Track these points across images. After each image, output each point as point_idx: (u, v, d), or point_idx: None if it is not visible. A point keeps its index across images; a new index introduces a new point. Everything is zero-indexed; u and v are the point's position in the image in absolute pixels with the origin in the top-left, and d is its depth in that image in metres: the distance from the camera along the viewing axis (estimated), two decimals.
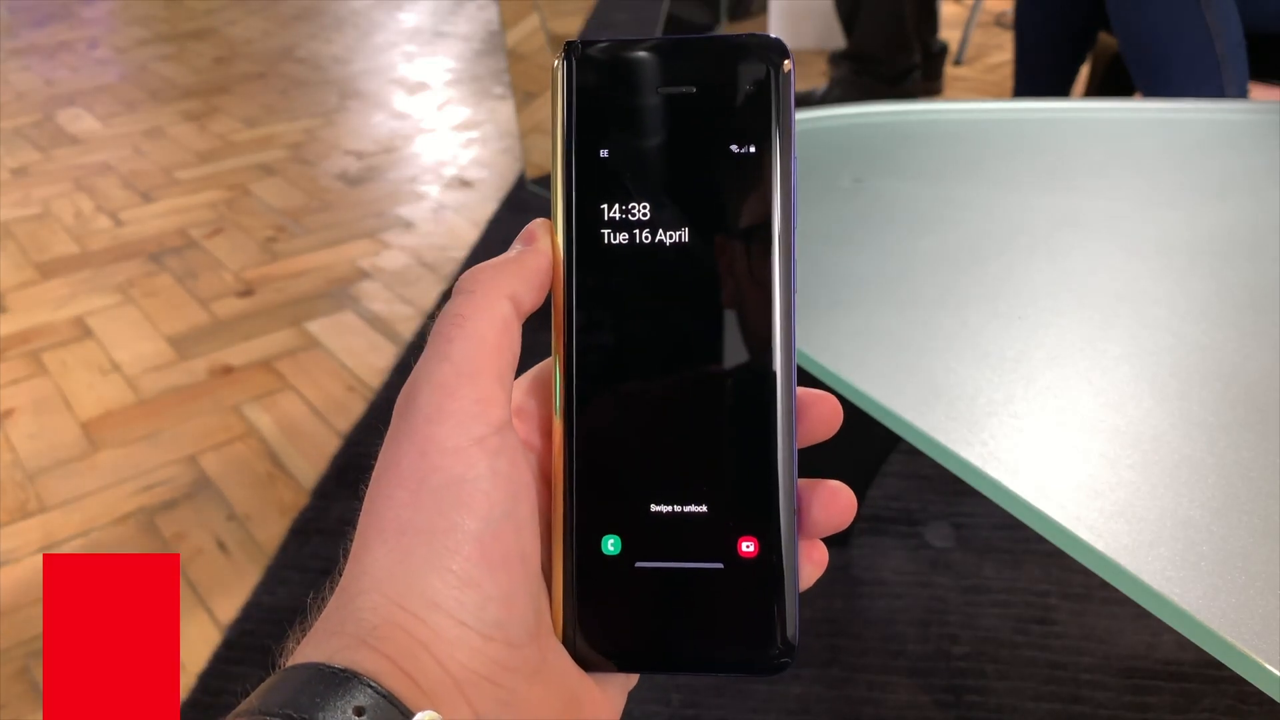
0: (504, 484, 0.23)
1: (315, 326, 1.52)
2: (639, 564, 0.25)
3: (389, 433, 0.24)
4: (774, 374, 0.25)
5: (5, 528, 1.13)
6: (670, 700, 0.87)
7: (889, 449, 1.03)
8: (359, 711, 0.20)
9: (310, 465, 1.21)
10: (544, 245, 0.26)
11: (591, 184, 0.26)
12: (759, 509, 0.25)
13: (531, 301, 0.25)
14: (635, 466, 0.26)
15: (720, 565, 0.25)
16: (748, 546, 0.25)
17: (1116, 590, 0.44)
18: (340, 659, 0.21)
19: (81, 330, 1.52)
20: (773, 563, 0.25)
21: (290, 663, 0.21)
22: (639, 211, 0.26)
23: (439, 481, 0.22)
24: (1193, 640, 0.41)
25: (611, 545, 0.25)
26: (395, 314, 1.54)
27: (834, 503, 0.25)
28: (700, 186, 0.26)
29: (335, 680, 0.20)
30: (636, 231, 0.26)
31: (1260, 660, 0.39)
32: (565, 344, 0.26)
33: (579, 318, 0.26)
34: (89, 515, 1.15)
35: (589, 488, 0.25)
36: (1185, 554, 0.44)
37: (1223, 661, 0.40)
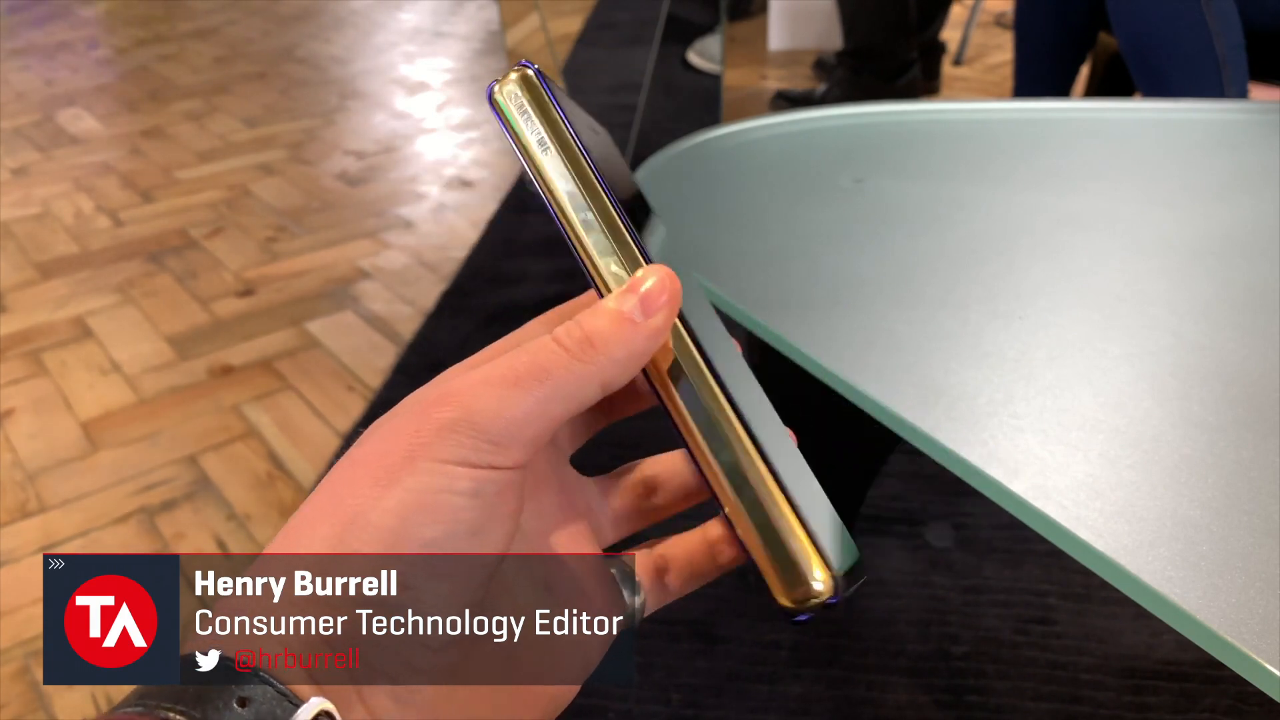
0: (483, 508, 0.22)
1: (315, 326, 1.52)
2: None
3: (394, 410, 0.22)
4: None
5: (5, 528, 1.13)
6: (670, 700, 0.87)
7: (889, 449, 1.03)
8: (242, 703, 0.19)
9: (310, 465, 1.21)
10: (659, 322, 0.24)
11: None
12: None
13: (620, 383, 0.24)
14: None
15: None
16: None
17: (1116, 590, 0.44)
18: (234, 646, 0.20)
19: (81, 330, 1.52)
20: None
21: (186, 649, 0.21)
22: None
23: (410, 484, 0.21)
24: (1193, 640, 0.41)
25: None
26: (395, 314, 1.54)
27: None
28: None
29: (222, 671, 0.20)
30: None
31: (1260, 660, 0.39)
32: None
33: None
34: (89, 515, 1.15)
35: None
36: (1185, 554, 0.44)
37: (1223, 661, 0.40)
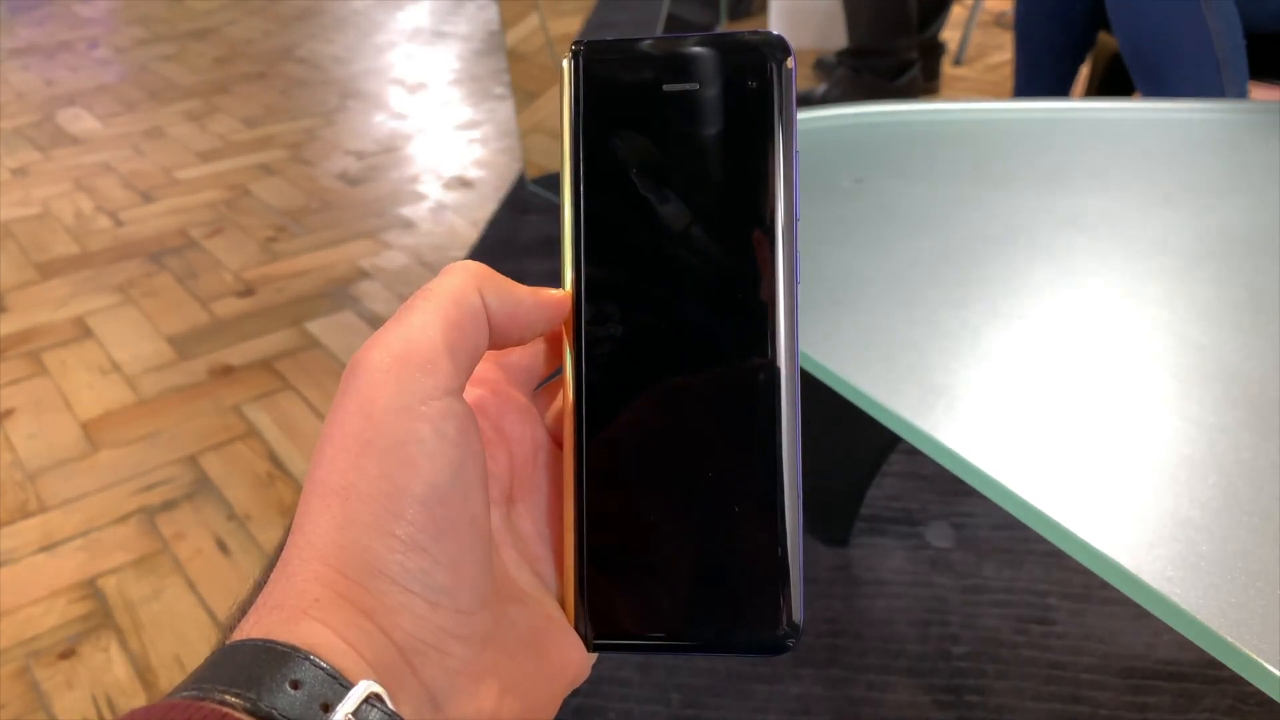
0: (450, 449, 0.22)
1: (315, 326, 1.52)
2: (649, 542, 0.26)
3: (336, 396, 0.23)
4: (777, 365, 0.26)
5: (5, 528, 1.13)
6: (670, 700, 0.87)
7: (889, 449, 1.03)
8: (295, 685, 0.19)
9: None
10: (548, 298, 0.26)
11: (600, 179, 0.26)
12: (765, 491, 0.25)
13: (500, 311, 0.25)
14: (646, 453, 0.26)
15: (728, 545, 0.25)
16: (755, 526, 0.25)
17: (1116, 590, 0.44)
18: (280, 633, 0.21)
19: (81, 330, 1.52)
20: (779, 543, 0.25)
21: (231, 639, 0.21)
22: (645, 206, 0.26)
23: (383, 444, 0.22)
24: (1193, 640, 0.41)
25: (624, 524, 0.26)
26: None
27: None
28: (705, 183, 0.26)
29: (272, 655, 0.20)
30: (643, 226, 0.26)
31: (1260, 660, 0.39)
32: (575, 333, 0.26)
33: (588, 309, 0.26)
34: (89, 515, 1.15)
35: (601, 474, 0.26)
36: (1185, 554, 0.44)
37: (1223, 661, 0.40)
